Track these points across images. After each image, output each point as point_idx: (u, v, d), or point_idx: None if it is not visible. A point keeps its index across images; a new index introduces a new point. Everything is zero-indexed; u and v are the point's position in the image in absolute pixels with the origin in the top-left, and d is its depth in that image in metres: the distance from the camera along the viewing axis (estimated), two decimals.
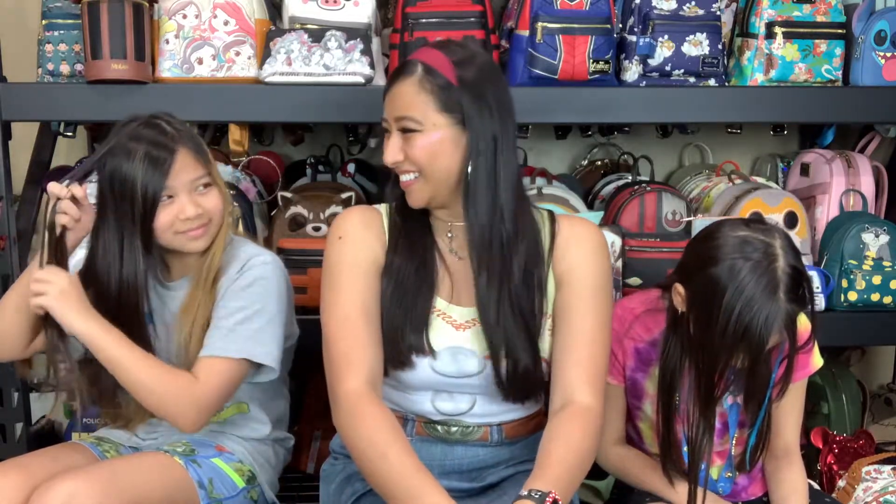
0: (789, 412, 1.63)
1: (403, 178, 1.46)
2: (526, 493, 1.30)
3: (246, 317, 1.54)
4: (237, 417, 1.67)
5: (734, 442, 1.61)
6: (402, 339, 1.45)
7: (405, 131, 1.44)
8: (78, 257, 1.59)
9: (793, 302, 1.40)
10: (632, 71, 1.98)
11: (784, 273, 1.39)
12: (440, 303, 1.49)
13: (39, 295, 1.47)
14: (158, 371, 1.49)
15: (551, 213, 1.56)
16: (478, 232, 1.44)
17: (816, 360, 1.63)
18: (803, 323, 1.51)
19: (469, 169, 1.44)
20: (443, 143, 1.43)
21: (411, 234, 1.50)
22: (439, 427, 1.53)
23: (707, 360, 1.45)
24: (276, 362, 1.56)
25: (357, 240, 1.49)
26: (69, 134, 2.11)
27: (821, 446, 2.22)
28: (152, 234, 1.53)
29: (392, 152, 1.45)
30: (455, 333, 1.48)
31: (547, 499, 1.28)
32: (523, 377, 1.46)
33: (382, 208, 1.55)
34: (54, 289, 1.46)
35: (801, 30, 2.01)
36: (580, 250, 1.50)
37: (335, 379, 1.42)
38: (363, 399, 1.38)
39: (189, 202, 1.53)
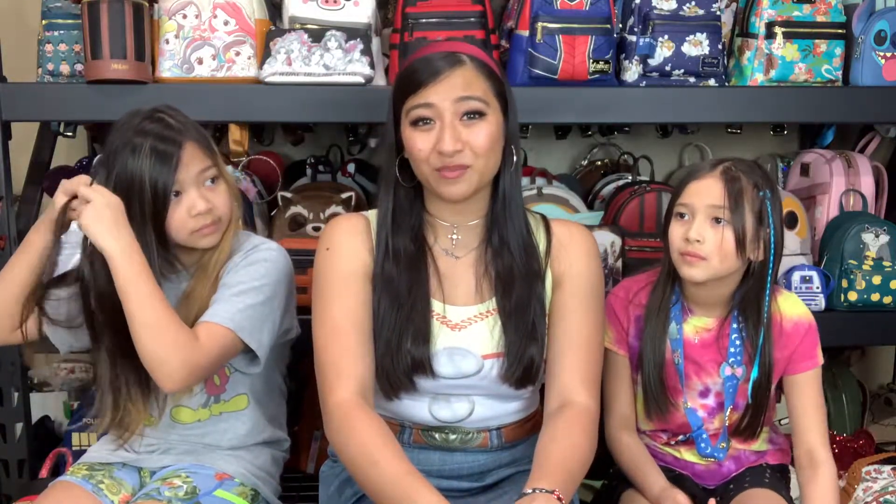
0: (805, 411, 1.61)
1: (450, 170, 1.40)
2: (531, 490, 1.28)
3: (244, 290, 1.52)
4: (234, 415, 1.64)
5: (728, 414, 1.62)
6: (401, 354, 1.43)
7: (469, 116, 1.39)
8: (74, 260, 1.57)
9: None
10: (632, 71, 1.98)
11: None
12: (436, 305, 1.48)
13: (80, 202, 1.42)
14: (167, 315, 1.42)
15: (543, 216, 1.57)
16: (509, 227, 1.47)
17: (819, 357, 1.64)
18: (801, 309, 1.63)
19: (514, 158, 1.46)
20: (500, 129, 1.43)
21: (401, 240, 1.48)
22: (437, 435, 1.52)
23: None
24: (262, 350, 1.53)
25: (345, 250, 1.48)
26: (69, 134, 2.11)
27: None
28: (165, 231, 1.50)
29: (451, 140, 1.37)
30: (451, 334, 1.47)
31: (552, 494, 1.27)
32: (528, 368, 1.46)
33: (371, 214, 1.53)
34: (100, 200, 1.41)
35: (801, 30, 2.01)
36: (576, 253, 1.51)
37: (325, 390, 1.42)
38: (353, 409, 1.37)
39: (198, 196, 1.50)
